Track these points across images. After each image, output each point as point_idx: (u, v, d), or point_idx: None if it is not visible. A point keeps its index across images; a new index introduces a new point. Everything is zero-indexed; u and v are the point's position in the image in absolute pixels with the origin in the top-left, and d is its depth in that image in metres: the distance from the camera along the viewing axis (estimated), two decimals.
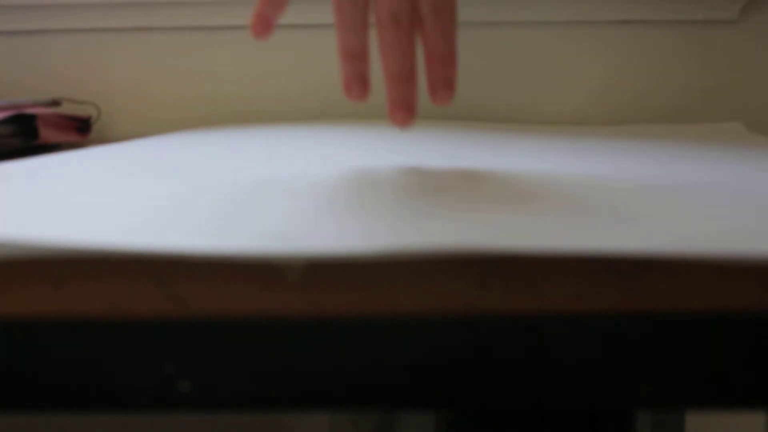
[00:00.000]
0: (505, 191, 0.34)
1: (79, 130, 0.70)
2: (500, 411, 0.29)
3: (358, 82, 0.42)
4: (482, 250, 0.23)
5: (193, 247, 0.23)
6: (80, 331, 0.24)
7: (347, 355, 0.24)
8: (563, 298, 0.24)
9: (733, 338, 0.24)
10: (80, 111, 0.78)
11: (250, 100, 0.79)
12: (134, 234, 0.25)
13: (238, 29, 0.77)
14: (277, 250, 0.23)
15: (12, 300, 0.24)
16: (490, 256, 0.23)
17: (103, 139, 0.76)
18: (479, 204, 0.30)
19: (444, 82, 0.41)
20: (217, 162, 0.45)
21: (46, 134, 0.64)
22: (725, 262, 0.23)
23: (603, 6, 0.76)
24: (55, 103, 0.69)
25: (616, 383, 0.24)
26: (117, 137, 0.77)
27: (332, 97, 0.79)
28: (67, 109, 0.76)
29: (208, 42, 0.78)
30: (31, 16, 0.78)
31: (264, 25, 0.43)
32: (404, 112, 0.41)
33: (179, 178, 0.38)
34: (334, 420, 0.82)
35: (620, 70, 0.77)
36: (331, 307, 0.24)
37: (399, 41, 0.41)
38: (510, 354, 0.24)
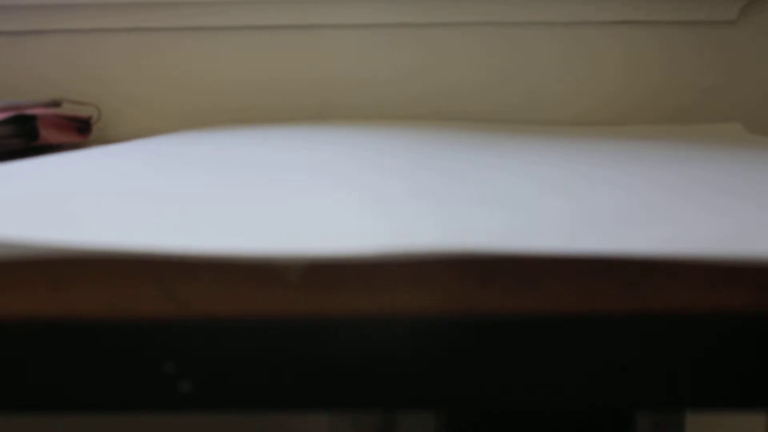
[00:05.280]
0: (505, 191, 0.34)
1: (80, 131, 0.70)
2: (500, 411, 0.29)
3: None
4: (482, 250, 0.23)
5: (193, 248, 0.23)
6: (80, 331, 0.24)
7: (347, 355, 0.24)
8: (563, 298, 0.24)
9: (732, 338, 0.24)
10: (80, 111, 0.78)
11: (249, 100, 0.79)
12: (134, 234, 0.25)
13: (238, 29, 0.78)
14: (277, 250, 0.23)
15: (12, 300, 0.24)
16: (490, 256, 0.23)
17: (104, 140, 0.76)
18: (480, 204, 0.30)
19: None
20: (216, 162, 0.45)
21: (47, 135, 0.64)
22: (724, 263, 0.23)
23: (603, 6, 0.76)
24: (55, 103, 0.69)
25: (616, 383, 0.24)
26: (117, 137, 0.77)
27: (332, 97, 0.79)
28: (67, 109, 0.76)
29: (208, 42, 0.78)
30: (31, 16, 0.78)
31: None
32: None
33: (179, 178, 0.38)
34: (334, 420, 0.82)
35: (619, 70, 0.77)
36: (331, 307, 0.24)
37: None
38: (510, 354, 0.24)
